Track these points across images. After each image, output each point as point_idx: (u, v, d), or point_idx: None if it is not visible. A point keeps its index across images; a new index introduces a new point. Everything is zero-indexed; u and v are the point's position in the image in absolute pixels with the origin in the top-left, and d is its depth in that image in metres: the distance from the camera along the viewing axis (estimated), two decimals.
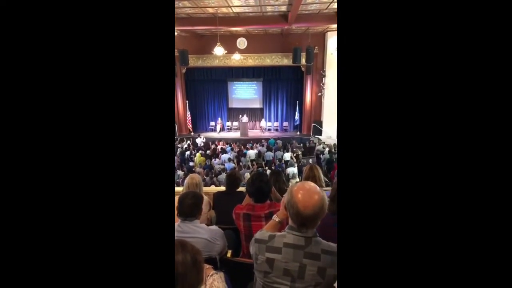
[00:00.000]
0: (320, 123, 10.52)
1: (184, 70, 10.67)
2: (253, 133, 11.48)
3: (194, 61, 10.27)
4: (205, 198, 1.99)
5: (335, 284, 1.03)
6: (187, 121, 11.32)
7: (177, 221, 1.50)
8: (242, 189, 2.48)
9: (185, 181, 2.17)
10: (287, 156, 7.46)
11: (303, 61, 9.36)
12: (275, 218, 1.20)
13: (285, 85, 11.63)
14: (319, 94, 10.36)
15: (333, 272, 0.98)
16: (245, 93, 12.19)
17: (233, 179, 2.29)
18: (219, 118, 12.00)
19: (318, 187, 1.01)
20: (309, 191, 0.99)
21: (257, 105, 12.17)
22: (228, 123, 12.24)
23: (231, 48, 9.17)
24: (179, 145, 8.95)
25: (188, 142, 9.52)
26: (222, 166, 6.69)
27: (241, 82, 11.96)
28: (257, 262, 1.05)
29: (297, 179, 5.62)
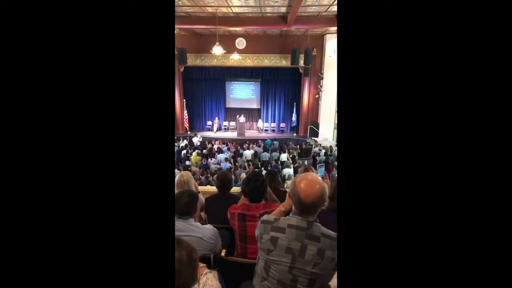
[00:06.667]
0: (317, 125, 10.54)
1: (182, 69, 10.62)
2: (249, 134, 11.45)
3: (192, 60, 10.25)
4: (200, 196, 1.98)
5: (332, 282, 1.07)
6: (184, 120, 11.27)
7: None
8: (236, 189, 2.42)
9: (175, 179, 2.16)
10: (284, 157, 7.47)
11: (302, 62, 9.36)
12: (281, 207, 1.29)
13: (283, 86, 11.62)
14: (317, 96, 10.39)
15: (331, 254, 1.06)
16: (243, 93, 12.18)
17: (224, 182, 2.16)
18: (216, 118, 11.96)
19: (319, 178, 1.11)
20: (311, 182, 1.09)
21: (255, 105, 12.16)
22: (225, 123, 12.20)
23: (229, 48, 9.15)
24: (175, 144, 8.92)
25: (185, 141, 9.49)
26: (218, 166, 6.68)
27: (239, 82, 11.94)
28: (261, 241, 1.14)
29: None
